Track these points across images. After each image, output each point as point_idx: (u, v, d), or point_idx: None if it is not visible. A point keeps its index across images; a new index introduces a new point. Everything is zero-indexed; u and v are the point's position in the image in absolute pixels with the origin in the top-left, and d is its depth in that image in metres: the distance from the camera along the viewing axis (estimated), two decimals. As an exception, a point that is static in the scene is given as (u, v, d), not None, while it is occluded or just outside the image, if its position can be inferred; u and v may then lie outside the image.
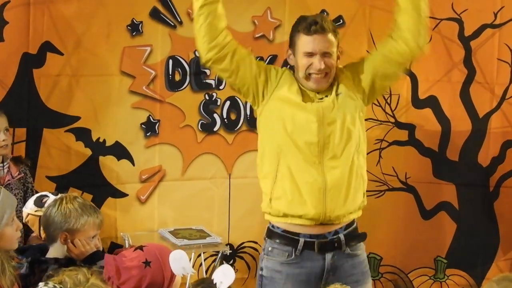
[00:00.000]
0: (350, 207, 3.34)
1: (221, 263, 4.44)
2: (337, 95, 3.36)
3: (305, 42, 3.27)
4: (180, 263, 2.68)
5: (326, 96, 3.34)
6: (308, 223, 3.28)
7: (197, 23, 3.20)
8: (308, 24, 3.26)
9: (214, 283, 2.59)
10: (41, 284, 1.95)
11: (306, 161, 3.29)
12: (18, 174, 3.97)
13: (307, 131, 3.29)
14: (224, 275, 2.59)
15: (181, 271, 2.71)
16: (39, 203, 3.42)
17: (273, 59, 4.54)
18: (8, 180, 3.93)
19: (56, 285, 1.91)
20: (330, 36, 3.26)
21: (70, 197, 3.20)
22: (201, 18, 3.22)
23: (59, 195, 3.34)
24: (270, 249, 3.39)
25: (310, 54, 3.25)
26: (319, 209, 3.25)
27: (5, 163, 3.94)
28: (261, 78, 3.32)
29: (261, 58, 4.48)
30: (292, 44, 3.34)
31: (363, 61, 3.46)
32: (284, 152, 3.30)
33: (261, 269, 3.42)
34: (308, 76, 3.31)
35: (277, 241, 3.37)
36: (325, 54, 3.25)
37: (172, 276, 2.87)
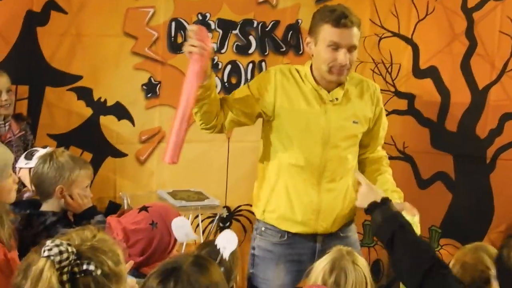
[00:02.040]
0: (341, 224, 3.39)
1: (218, 225, 4.55)
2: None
3: (332, 34, 3.19)
4: (183, 230, 2.80)
5: (337, 98, 3.29)
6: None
7: (192, 109, 3.15)
8: (337, 17, 3.18)
9: (218, 248, 2.68)
10: (48, 241, 1.90)
11: (306, 182, 3.30)
12: (19, 132, 4.00)
13: (310, 152, 3.29)
14: (228, 240, 2.71)
15: (184, 238, 2.84)
16: (29, 156, 3.46)
17: (275, 25, 4.55)
18: (9, 137, 3.96)
19: (63, 241, 1.89)
20: (356, 30, 3.22)
21: (59, 151, 3.26)
22: (196, 108, 3.19)
23: (47, 149, 3.43)
24: (263, 229, 3.43)
25: (336, 48, 3.19)
26: (310, 228, 3.32)
27: (6, 121, 3.96)
28: (259, 106, 3.27)
29: (264, 24, 4.55)
30: (314, 33, 3.25)
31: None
32: (284, 169, 3.31)
33: (253, 248, 3.48)
34: (330, 70, 3.26)
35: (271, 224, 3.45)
36: (350, 49, 3.21)
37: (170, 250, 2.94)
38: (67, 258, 1.83)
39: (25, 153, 3.55)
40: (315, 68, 3.29)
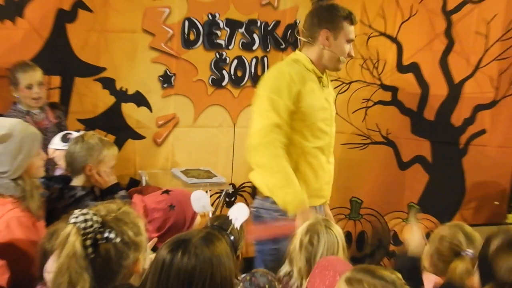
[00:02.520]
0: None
1: (225, 200, 4.57)
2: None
3: (350, 31, 3.27)
4: (200, 202, 2.86)
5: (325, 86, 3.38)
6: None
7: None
8: (352, 16, 3.27)
9: (230, 219, 2.74)
10: (77, 211, 1.96)
11: (323, 160, 3.32)
12: (55, 119, 4.00)
13: (327, 134, 3.31)
14: (239, 212, 2.76)
15: (201, 209, 2.88)
16: (65, 139, 3.46)
17: (276, 24, 4.58)
18: (46, 124, 3.95)
19: (89, 211, 1.95)
20: None
21: (89, 134, 3.31)
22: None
23: (80, 132, 3.45)
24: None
25: (350, 42, 3.28)
26: (324, 198, 3.40)
27: (43, 109, 3.96)
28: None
29: (266, 23, 4.58)
30: (335, 28, 3.24)
31: None
32: (308, 152, 3.26)
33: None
34: (341, 60, 3.32)
35: None
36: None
37: (193, 217, 2.97)
38: (91, 226, 1.89)
39: (61, 136, 3.55)
40: (325, 57, 3.28)
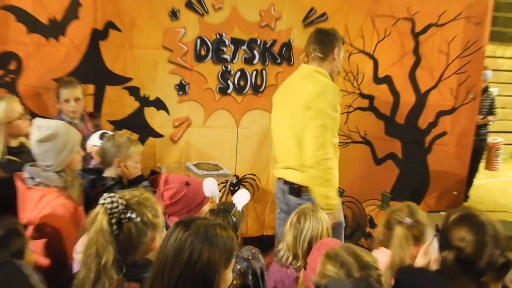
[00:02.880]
0: None
1: (229, 188, 4.62)
2: None
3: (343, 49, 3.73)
4: (210, 187, 3.04)
5: None
6: None
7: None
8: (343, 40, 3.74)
9: (233, 203, 2.92)
10: (105, 194, 2.05)
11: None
12: (93, 128, 4.02)
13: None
14: (241, 196, 2.96)
15: (210, 193, 3.05)
16: (101, 137, 3.53)
17: (273, 43, 4.66)
18: (85, 133, 3.83)
19: (116, 195, 2.05)
20: None
21: (119, 133, 3.43)
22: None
23: (108, 132, 3.55)
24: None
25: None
26: None
27: (83, 119, 4.01)
28: None
29: (265, 42, 4.65)
30: (340, 47, 3.65)
31: None
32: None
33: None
34: (340, 72, 3.77)
35: None
36: None
37: (202, 202, 3.07)
38: (117, 207, 2.02)
39: (99, 134, 3.62)
40: (333, 69, 3.69)
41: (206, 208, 3.11)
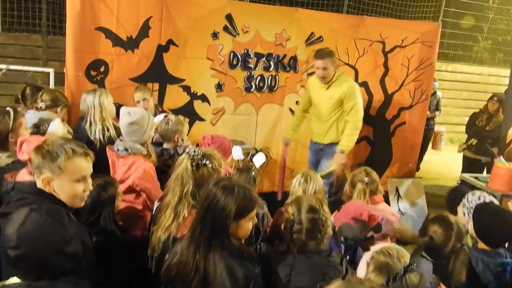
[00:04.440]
0: None
1: (250, 158, 4.51)
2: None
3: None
4: (238, 152, 3.07)
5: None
6: None
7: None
8: None
9: (253, 162, 2.92)
10: (191, 146, 2.19)
11: None
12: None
13: None
14: (259, 157, 2.97)
15: (237, 157, 3.05)
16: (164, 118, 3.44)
17: (284, 56, 4.57)
18: None
19: (197, 148, 2.13)
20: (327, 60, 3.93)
21: (173, 117, 3.36)
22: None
23: (168, 115, 3.49)
24: None
25: None
26: None
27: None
28: None
29: (278, 55, 4.54)
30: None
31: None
32: None
33: None
34: None
35: None
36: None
37: (228, 153, 3.10)
38: (197, 155, 2.07)
39: (163, 116, 3.56)
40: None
41: (229, 160, 3.09)
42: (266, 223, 2.31)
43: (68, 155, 1.73)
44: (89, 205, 2.18)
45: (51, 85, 4.67)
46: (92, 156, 1.84)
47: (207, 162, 2.09)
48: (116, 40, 4.00)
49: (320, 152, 4.30)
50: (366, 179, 2.91)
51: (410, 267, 1.40)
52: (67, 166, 1.73)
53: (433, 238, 2.25)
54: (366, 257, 1.60)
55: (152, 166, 2.85)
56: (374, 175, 2.98)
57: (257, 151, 4.63)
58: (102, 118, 3.29)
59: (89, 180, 1.83)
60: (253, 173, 2.86)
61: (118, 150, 2.86)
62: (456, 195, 2.89)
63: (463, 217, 2.68)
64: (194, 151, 2.09)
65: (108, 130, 3.28)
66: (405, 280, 1.39)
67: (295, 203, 2.12)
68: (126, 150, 2.83)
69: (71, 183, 1.76)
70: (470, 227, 2.37)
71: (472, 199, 2.68)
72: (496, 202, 2.66)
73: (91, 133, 3.24)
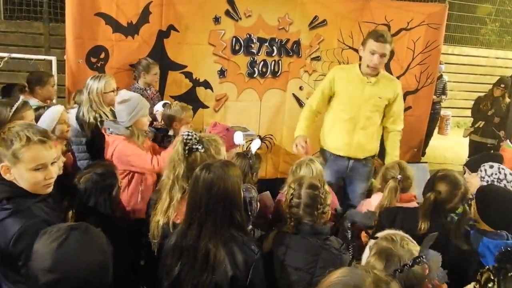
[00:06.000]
0: None
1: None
2: None
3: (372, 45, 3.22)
4: (239, 137, 3.05)
5: (370, 81, 3.41)
6: None
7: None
8: (378, 35, 3.21)
9: (250, 148, 2.93)
10: (186, 129, 2.17)
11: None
12: (156, 93, 4.16)
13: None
14: (255, 144, 3.01)
15: (238, 142, 3.04)
16: (164, 105, 3.59)
17: (287, 41, 4.48)
18: (152, 96, 4.05)
19: (194, 132, 2.12)
20: (388, 45, 3.22)
21: (175, 103, 3.39)
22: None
23: (168, 102, 3.53)
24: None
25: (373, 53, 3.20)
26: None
27: (150, 87, 4.08)
28: None
29: (281, 40, 4.47)
30: (363, 44, 3.29)
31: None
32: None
33: None
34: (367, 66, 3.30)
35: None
36: (382, 55, 3.22)
37: (233, 145, 3.05)
38: (191, 139, 2.06)
39: (162, 103, 3.67)
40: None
41: (234, 150, 3.08)
42: (255, 207, 2.31)
43: (22, 142, 1.65)
44: (84, 193, 2.18)
45: (54, 73, 4.67)
46: (52, 143, 1.75)
47: (200, 147, 2.08)
48: (117, 26, 3.96)
49: (347, 171, 3.48)
50: (399, 176, 2.72)
51: (419, 258, 1.38)
52: (22, 154, 1.66)
53: (440, 193, 2.26)
54: (371, 242, 1.61)
55: (126, 144, 2.87)
56: (409, 171, 2.80)
57: (260, 139, 4.65)
58: (99, 102, 3.37)
59: (52, 167, 1.74)
60: (250, 159, 2.87)
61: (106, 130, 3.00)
62: (476, 162, 2.85)
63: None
64: (188, 135, 2.08)
65: (105, 115, 3.36)
66: (412, 272, 1.38)
67: (298, 180, 2.16)
68: (109, 129, 2.94)
69: (29, 172, 1.68)
70: (473, 208, 2.33)
71: (492, 172, 2.66)
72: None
73: (88, 118, 3.31)
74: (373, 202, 2.86)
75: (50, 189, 1.76)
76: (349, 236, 2.10)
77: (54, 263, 1.18)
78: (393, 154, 3.37)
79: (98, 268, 1.25)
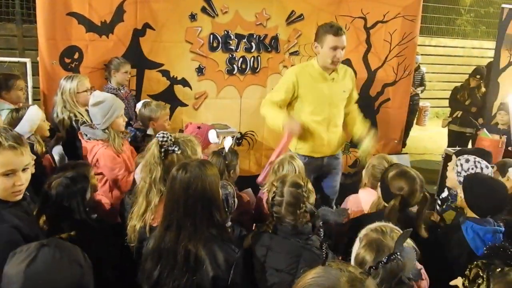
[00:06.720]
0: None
1: (235, 141, 4.48)
2: None
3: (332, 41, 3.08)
4: (213, 136, 3.05)
5: (333, 78, 3.34)
6: None
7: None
8: (336, 29, 3.08)
9: (223, 147, 2.87)
10: (161, 132, 2.07)
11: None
12: (130, 92, 4.14)
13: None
14: (226, 142, 2.94)
15: (213, 140, 3.04)
16: (144, 105, 3.51)
17: (265, 37, 4.44)
18: (126, 95, 4.03)
19: (168, 133, 2.06)
20: (344, 37, 3.15)
21: (150, 101, 3.39)
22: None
23: (146, 101, 3.52)
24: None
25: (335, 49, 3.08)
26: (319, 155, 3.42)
27: (123, 86, 4.05)
28: None
29: (259, 36, 4.43)
30: (320, 41, 3.13)
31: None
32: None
33: None
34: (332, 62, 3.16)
35: None
36: (343, 49, 3.13)
37: (207, 143, 3.06)
38: (166, 141, 2.01)
39: (142, 102, 3.59)
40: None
41: (212, 147, 3.09)
42: (231, 204, 2.25)
43: None
44: (55, 198, 2.12)
45: (29, 75, 4.54)
46: (24, 149, 1.69)
47: (176, 149, 2.04)
48: (90, 25, 3.88)
49: (322, 168, 3.45)
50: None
51: (394, 255, 1.37)
52: None
53: (403, 196, 2.22)
54: (361, 233, 1.61)
55: (108, 152, 2.85)
56: (395, 162, 2.73)
57: (242, 136, 4.68)
58: (73, 103, 3.34)
59: (21, 174, 1.68)
60: (224, 156, 2.84)
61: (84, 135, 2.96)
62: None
63: (457, 184, 2.66)
64: (163, 137, 2.04)
65: (80, 114, 3.33)
66: (386, 269, 1.37)
67: (281, 178, 2.12)
68: (86, 135, 2.90)
69: None
70: (459, 196, 2.34)
71: (468, 166, 2.65)
72: (490, 170, 2.66)
73: (63, 118, 3.29)
74: (362, 198, 2.80)
75: (19, 197, 1.71)
76: (321, 234, 2.05)
77: (24, 284, 1.13)
78: (361, 125, 3.43)
79: (75, 284, 1.19)
